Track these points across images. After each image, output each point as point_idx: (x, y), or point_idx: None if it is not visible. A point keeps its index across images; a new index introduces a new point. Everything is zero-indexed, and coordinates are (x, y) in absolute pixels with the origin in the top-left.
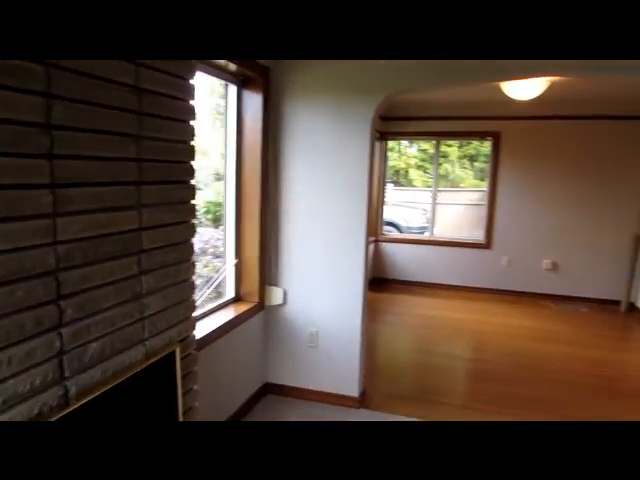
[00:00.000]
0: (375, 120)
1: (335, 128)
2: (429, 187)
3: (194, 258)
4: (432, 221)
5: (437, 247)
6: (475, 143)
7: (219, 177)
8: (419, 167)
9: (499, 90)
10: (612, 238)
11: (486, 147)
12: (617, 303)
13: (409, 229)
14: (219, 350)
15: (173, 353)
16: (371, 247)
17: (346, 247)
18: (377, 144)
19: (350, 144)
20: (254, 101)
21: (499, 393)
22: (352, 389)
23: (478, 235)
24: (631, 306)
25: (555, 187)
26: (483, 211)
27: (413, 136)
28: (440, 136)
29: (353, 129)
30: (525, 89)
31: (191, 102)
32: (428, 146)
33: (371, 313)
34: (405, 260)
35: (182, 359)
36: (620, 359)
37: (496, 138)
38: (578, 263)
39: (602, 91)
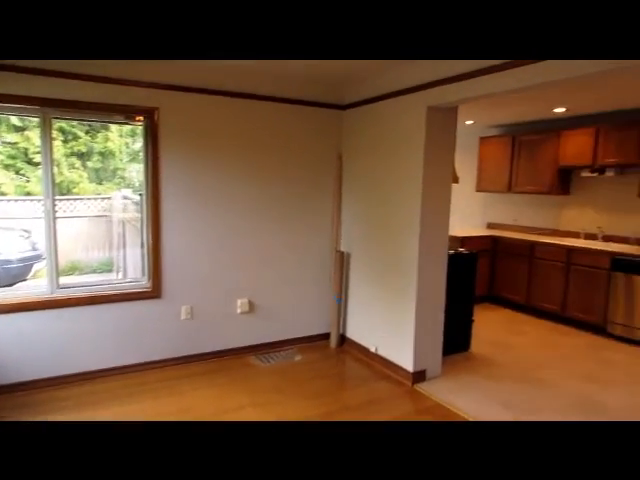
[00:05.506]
0: None
1: None
2: (29, 195)
3: None
4: (51, 251)
5: (70, 309)
6: (85, 138)
7: None
8: (8, 167)
9: None
10: (314, 256)
11: (100, 143)
12: (326, 337)
13: (6, 265)
14: None
15: None
16: None
17: None
18: None
19: None
20: None
21: None
22: None
23: (111, 255)
24: (342, 338)
25: (243, 194)
26: (111, 225)
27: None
28: (52, 106)
29: None
30: None
31: None
32: (19, 139)
33: None
34: (18, 345)
35: None
36: None
37: (150, 116)
38: (280, 298)
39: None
